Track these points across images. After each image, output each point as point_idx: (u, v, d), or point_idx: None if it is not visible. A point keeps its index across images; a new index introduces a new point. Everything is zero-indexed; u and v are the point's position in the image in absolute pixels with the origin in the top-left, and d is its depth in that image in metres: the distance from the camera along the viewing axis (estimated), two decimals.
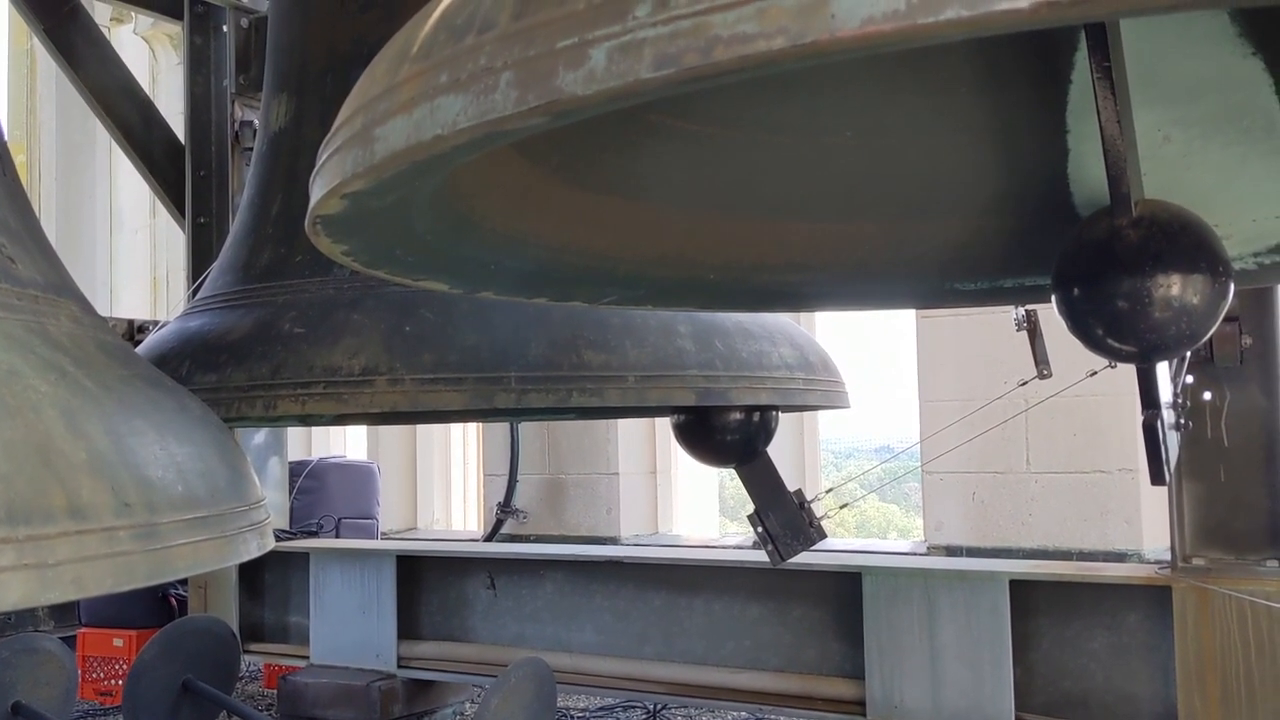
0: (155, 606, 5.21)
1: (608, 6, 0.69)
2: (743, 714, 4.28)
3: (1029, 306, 3.03)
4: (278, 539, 4.83)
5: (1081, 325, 1.49)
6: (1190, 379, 2.89)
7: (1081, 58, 1.65)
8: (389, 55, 0.90)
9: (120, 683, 4.42)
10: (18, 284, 1.25)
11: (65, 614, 5.67)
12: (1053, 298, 1.53)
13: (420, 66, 0.82)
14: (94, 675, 5.12)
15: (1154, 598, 3.03)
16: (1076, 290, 1.49)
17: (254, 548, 1.33)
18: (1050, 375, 3.02)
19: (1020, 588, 3.20)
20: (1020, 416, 4.61)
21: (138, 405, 1.25)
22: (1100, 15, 0.58)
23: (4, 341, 1.12)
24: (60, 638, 4.31)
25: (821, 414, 6.13)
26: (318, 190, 1.01)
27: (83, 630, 5.21)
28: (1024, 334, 3.06)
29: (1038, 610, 3.21)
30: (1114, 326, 1.46)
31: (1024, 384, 3.15)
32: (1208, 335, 1.50)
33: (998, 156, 1.83)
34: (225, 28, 4.87)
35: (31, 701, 3.88)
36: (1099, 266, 1.47)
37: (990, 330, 4.72)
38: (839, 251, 1.88)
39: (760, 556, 3.32)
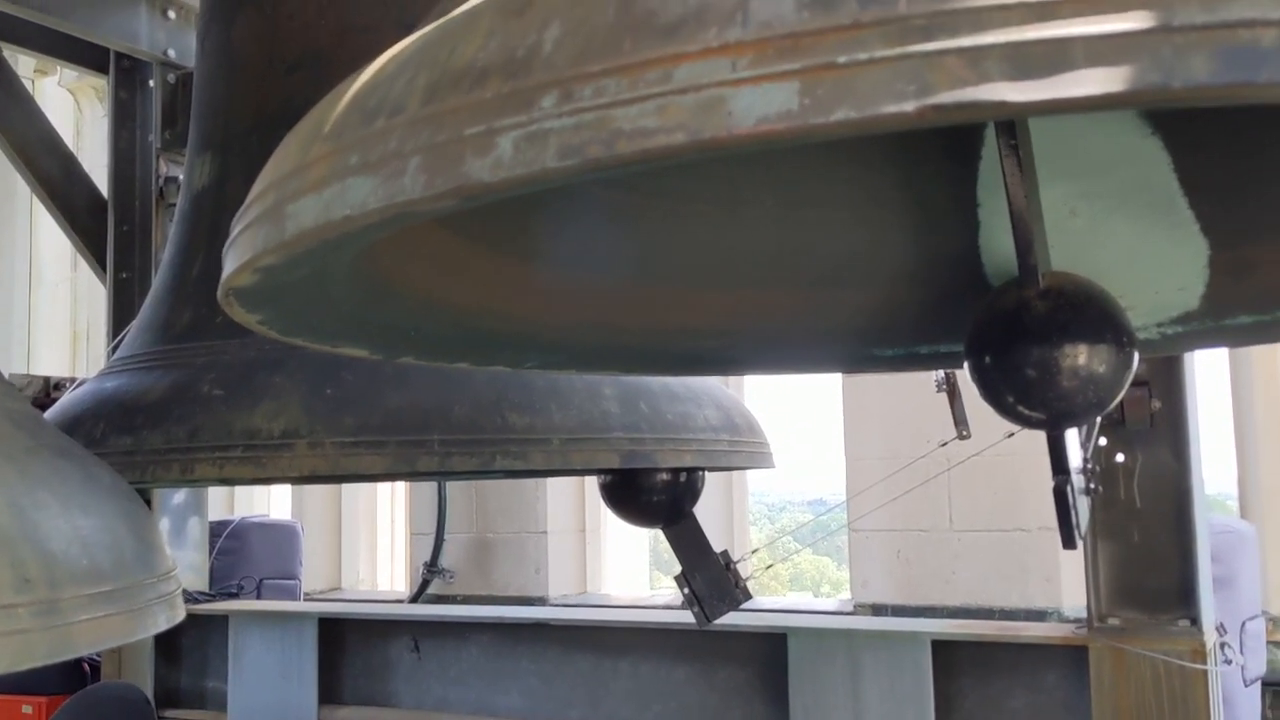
0: (67, 672, 5.04)
1: (515, 97, 0.71)
2: None
3: (949, 369, 3.10)
4: (196, 601, 4.72)
5: (993, 393, 1.53)
6: (1104, 441, 2.97)
7: (991, 134, 1.70)
8: (302, 133, 0.91)
9: None
10: None
11: None
12: (966, 363, 1.57)
13: (331, 146, 0.83)
14: None
15: (1071, 657, 3.07)
16: (987, 359, 1.54)
17: (162, 621, 1.31)
18: (969, 436, 3.09)
19: (942, 648, 3.23)
20: (943, 476, 4.68)
21: (43, 477, 1.23)
22: (983, 118, 0.61)
23: None
24: None
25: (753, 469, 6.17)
26: (230, 263, 1.01)
27: None
28: (944, 395, 3.13)
29: (960, 670, 3.24)
30: (1024, 395, 1.50)
31: (944, 445, 3.21)
32: (1114, 403, 1.55)
33: (913, 228, 1.88)
34: (151, 83, 4.84)
35: None
36: (1008, 336, 1.52)
37: (913, 391, 4.79)
38: (759, 318, 1.91)
39: (688, 617, 3.32)
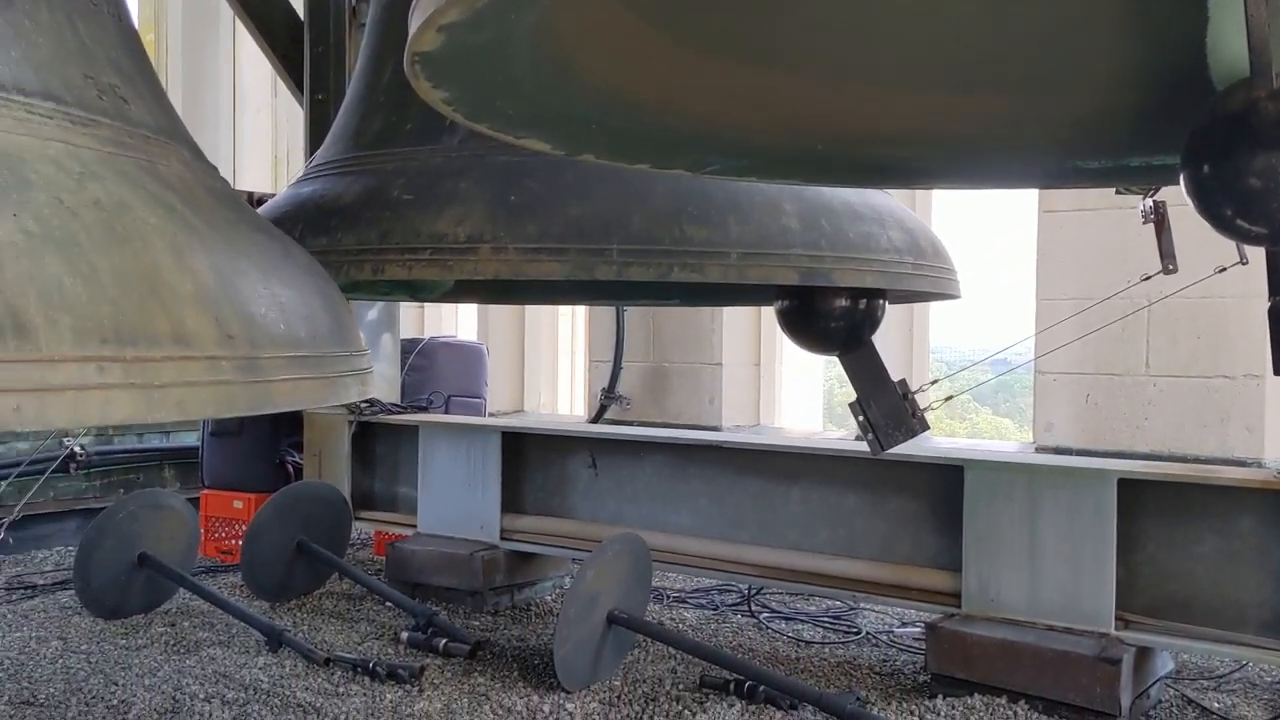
0: (272, 472, 5.42)
1: None
2: (836, 602, 4.31)
3: (1157, 198, 2.89)
4: (389, 412, 4.98)
5: (1210, 205, 1.42)
6: None
7: None
8: None
9: (240, 543, 4.64)
10: (130, 124, 1.28)
11: (189, 477, 5.96)
12: (1181, 177, 1.45)
13: None
14: (216, 535, 5.38)
15: (1269, 502, 2.93)
16: (1207, 167, 1.42)
17: (354, 392, 1.37)
18: (1176, 270, 2.90)
19: (1128, 487, 3.12)
20: (1141, 317, 4.45)
21: (243, 247, 1.28)
22: None
23: (115, 176, 1.16)
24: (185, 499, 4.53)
25: (933, 320, 6.00)
26: (415, 22, 1.00)
27: (205, 492, 5.47)
28: (1150, 228, 2.93)
29: (1145, 511, 3.13)
30: (1244, 206, 1.39)
31: (1148, 278, 3.03)
32: None
33: (1130, 24, 1.72)
34: None
35: (157, 554, 4.11)
36: (1232, 142, 1.39)
37: (1115, 226, 4.53)
38: (954, 125, 1.80)
39: (860, 447, 3.30)
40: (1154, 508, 3.13)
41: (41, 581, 4.77)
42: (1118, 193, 2.82)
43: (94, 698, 3.22)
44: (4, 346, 0.90)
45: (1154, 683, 3.18)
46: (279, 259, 1.35)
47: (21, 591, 4.59)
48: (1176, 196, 1.51)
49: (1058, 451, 4.69)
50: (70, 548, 5.16)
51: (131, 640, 3.82)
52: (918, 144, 1.86)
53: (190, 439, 6.14)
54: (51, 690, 3.30)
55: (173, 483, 6.05)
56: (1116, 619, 3.09)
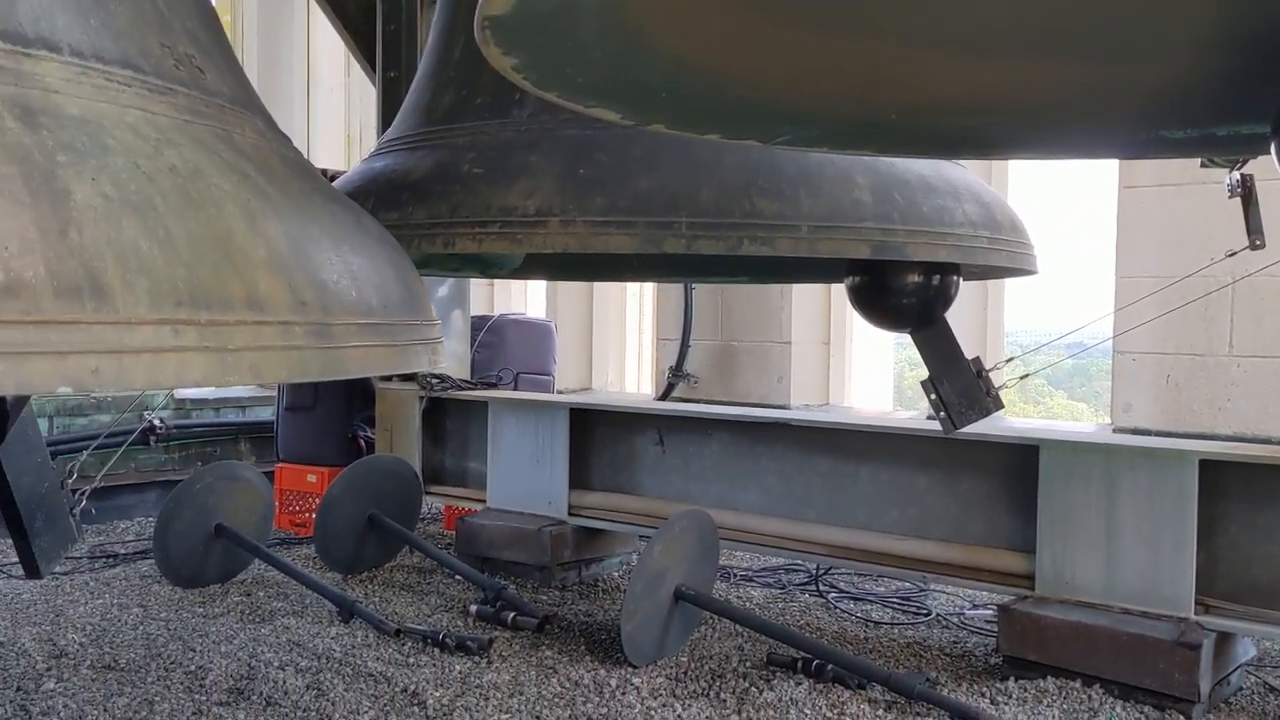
0: (345, 446, 5.49)
1: None
2: (905, 583, 4.27)
3: (1244, 170, 2.80)
4: (459, 388, 5.02)
5: None
6: None
7: None
8: None
9: (313, 516, 4.72)
10: (205, 93, 1.29)
11: (264, 450, 6.07)
12: (1272, 145, 1.40)
13: None
14: (290, 508, 5.48)
15: None
16: None
17: (425, 361, 1.37)
18: (1263, 246, 2.81)
19: (1210, 469, 3.04)
20: (1225, 296, 4.32)
21: (316, 215, 1.29)
22: None
23: (190, 144, 1.17)
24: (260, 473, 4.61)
25: (1008, 302, 5.87)
26: None
27: (280, 466, 5.56)
28: (1235, 203, 2.85)
29: (1228, 494, 3.05)
30: None
31: (1232, 254, 2.94)
32: None
33: None
34: None
35: (233, 525, 4.20)
36: None
37: (1198, 201, 4.40)
38: (1032, 92, 1.76)
39: (932, 426, 3.25)
40: (1237, 491, 3.04)
41: (123, 551, 4.90)
42: (1203, 165, 2.74)
43: (172, 663, 3.30)
44: (82, 308, 0.92)
45: (1235, 669, 3.10)
46: (351, 228, 1.36)
47: (104, 560, 4.73)
48: (1264, 170, 1.45)
49: (1136, 433, 4.59)
50: (150, 518, 5.30)
51: (209, 609, 3.91)
52: (993, 113, 1.81)
53: (265, 413, 6.26)
54: (132, 655, 3.38)
55: (248, 456, 6.18)
56: (1196, 603, 3.02)
